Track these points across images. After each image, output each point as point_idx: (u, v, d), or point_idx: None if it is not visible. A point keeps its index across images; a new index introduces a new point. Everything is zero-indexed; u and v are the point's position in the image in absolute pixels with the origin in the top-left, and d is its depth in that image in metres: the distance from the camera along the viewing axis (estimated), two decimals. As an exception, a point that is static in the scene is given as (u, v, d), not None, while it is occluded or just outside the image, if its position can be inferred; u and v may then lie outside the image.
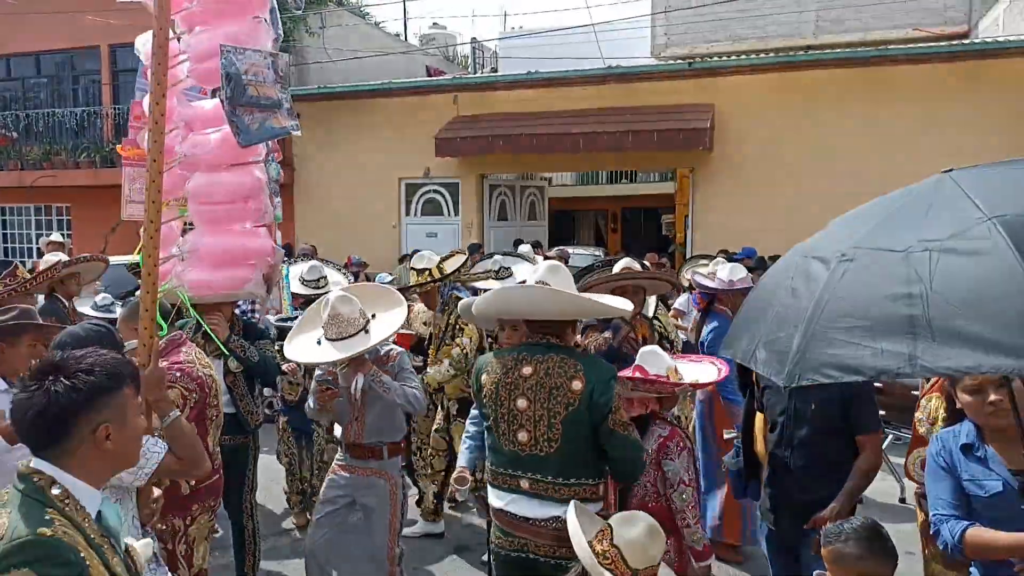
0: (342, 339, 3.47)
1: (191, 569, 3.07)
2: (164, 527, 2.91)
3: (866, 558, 2.17)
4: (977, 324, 1.49)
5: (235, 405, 4.01)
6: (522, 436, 2.75)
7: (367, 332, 3.52)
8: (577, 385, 2.67)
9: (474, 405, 3.26)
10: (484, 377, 2.86)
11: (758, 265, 7.92)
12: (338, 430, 3.92)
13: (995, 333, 1.46)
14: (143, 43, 2.59)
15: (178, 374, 2.92)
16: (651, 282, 4.40)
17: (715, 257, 6.56)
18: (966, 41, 12.12)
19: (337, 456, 3.90)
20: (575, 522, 2.47)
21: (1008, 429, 2.22)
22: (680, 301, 6.38)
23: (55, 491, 1.58)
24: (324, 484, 3.86)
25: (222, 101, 2.36)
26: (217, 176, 2.52)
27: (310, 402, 3.73)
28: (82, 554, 1.53)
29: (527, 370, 2.74)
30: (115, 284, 6.35)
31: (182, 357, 3.00)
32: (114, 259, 6.04)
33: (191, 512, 3.07)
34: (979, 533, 2.20)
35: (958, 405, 2.39)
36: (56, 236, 9.16)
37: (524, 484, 2.77)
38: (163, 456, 2.35)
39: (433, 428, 4.99)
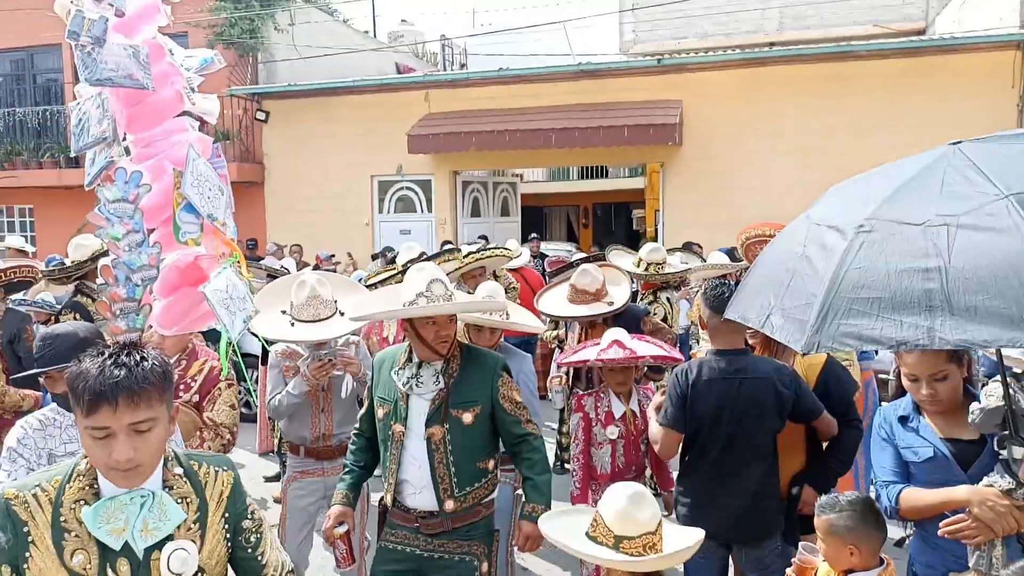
0: (320, 320, 3.33)
1: None
2: None
3: (858, 530, 2.24)
4: (995, 300, 1.50)
5: None
6: None
7: (342, 314, 3.38)
8: None
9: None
10: None
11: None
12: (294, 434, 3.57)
13: (1012, 309, 1.48)
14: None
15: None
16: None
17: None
18: (924, 37, 12.54)
19: (292, 464, 3.61)
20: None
21: (944, 411, 2.33)
22: None
23: (83, 465, 1.51)
24: (288, 494, 3.58)
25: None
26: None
27: (291, 387, 3.40)
28: (26, 529, 1.45)
29: None
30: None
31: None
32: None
33: None
34: (911, 493, 2.31)
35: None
36: (14, 241, 8.15)
37: None
38: None
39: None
